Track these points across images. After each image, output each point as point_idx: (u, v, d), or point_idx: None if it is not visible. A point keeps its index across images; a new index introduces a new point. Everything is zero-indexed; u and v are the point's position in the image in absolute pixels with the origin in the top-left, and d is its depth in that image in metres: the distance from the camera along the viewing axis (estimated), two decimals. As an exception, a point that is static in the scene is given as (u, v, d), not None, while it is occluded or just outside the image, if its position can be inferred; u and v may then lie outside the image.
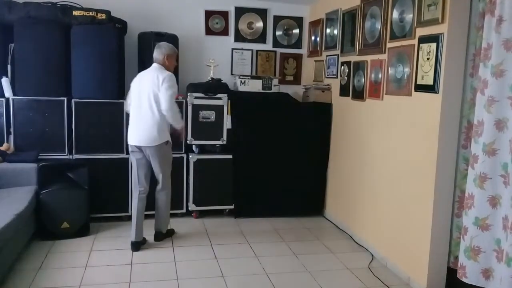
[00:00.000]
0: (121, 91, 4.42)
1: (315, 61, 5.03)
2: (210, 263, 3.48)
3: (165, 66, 3.63)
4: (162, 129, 3.57)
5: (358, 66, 4.02)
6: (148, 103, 3.52)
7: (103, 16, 4.12)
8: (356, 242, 4.03)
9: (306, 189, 4.70)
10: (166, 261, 3.48)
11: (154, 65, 3.63)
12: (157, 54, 3.64)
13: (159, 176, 3.71)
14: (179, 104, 4.00)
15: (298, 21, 5.25)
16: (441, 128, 2.97)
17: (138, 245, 3.67)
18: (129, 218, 4.31)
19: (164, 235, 3.89)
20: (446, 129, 2.98)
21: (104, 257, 3.52)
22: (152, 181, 3.75)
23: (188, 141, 4.40)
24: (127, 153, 4.24)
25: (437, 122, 2.97)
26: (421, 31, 3.15)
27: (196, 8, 4.93)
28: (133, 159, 3.69)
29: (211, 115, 4.45)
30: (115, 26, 4.24)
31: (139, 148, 3.61)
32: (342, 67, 4.34)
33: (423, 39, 3.11)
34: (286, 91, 4.86)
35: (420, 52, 3.14)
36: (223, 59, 4.94)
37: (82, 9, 4.13)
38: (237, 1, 5.04)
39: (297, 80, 5.32)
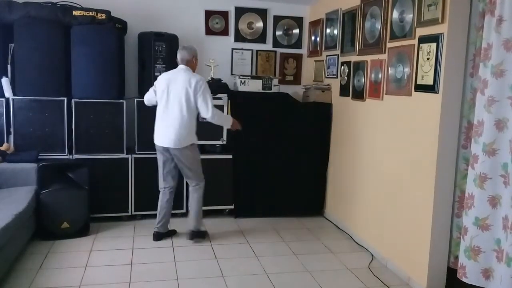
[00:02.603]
0: (121, 91, 4.43)
1: (315, 61, 5.03)
2: (210, 263, 3.48)
3: (192, 67, 3.70)
4: (189, 132, 3.64)
5: (358, 66, 4.02)
6: (178, 106, 3.57)
7: (103, 16, 4.12)
8: (356, 242, 4.03)
9: (306, 189, 4.70)
10: (166, 261, 3.48)
11: (182, 66, 3.66)
12: (186, 55, 3.66)
13: (188, 176, 3.81)
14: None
15: (298, 21, 5.25)
16: (441, 128, 2.97)
17: (159, 235, 3.86)
18: (129, 218, 4.34)
19: (197, 234, 3.89)
20: (446, 129, 2.98)
21: (104, 257, 3.52)
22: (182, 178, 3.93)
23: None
24: (127, 153, 4.27)
25: (437, 122, 2.97)
26: (421, 31, 3.15)
27: (196, 8, 4.93)
28: (159, 157, 3.79)
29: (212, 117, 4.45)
30: (115, 26, 4.24)
31: (166, 149, 3.68)
32: (342, 67, 4.34)
33: (423, 39, 3.11)
34: (286, 91, 4.86)
35: (420, 52, 3.14)
36: (223, 59, 4.94)
37: (82, 9, 4.13)
38: (237, 1, 5.04)
39: (297, 80, 5.32)
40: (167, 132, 3.60)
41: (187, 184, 4.01)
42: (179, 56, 3.68)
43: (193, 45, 3.82)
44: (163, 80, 3.65)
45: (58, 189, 3.80)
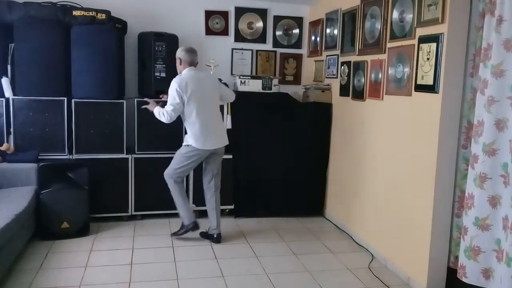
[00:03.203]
0: (121, 91, 4.43)
1: (315, 61, 5.03)
2: (210, 263, 3.48)
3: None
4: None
5: (358, 66, 4.02)
6: (216, 106, 3.73)
7: (103, 16, 4.12)
8: (356, 242, 4.03)
9: (306, 189, 4.70)
10: (166, 261, 3.48)
11: (194, 68, 3.68)
12: (196, 57, 3.71)
13: (218, 174, 3.87)
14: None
15: (298, 21, 5.25)
16: (441, 128, 2.97)
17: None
18: (129, 218, 4.34)
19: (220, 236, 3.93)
20: (446, 129, 2.98)
21: (104, 257, 3.51)
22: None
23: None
24: (127, 153, 4.27)
25: (437, 122, 2.97)
26: (421, 31, 3.15)
27: (196, 8, 4.93)
28: (194, 162, 3.71)
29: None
30: (115, 26, 4.24)
31: (210, 151, 3.70)
32: (342, 67, 4.34)
33: (423, 39, 3.11)
34: (286, 91, 4.86)
35: (420, 52, 3.14)
36: (223, 59, 4.94)
37: (82, 9, 4.13)
38: (237, 1, 5.04)
39: (297, 80, 5.32)
40: (219, 134, 3.72)
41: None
42: (191, 59, 3.66)
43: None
44: (188, 85, 3.54)
45: (58, 189, 3.80)
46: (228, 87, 4.59)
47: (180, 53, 3.68)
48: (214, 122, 3.70)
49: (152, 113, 3.66)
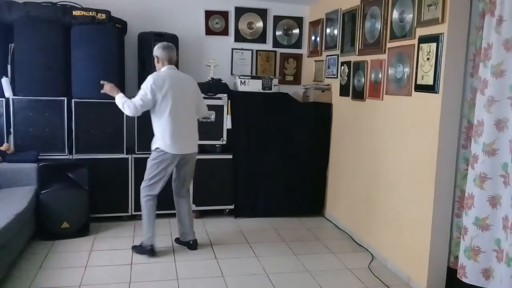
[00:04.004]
0: (121, 91, 4.41)
1: (315, 61, 5.03)
2: (210, 263, 3.48)
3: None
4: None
5: (358, 66, 4.02)
6: (192, 111, 3.51)
7: (103, 16, 4.12)
8: (356, 242, 4.03)
9: (306, 189, 4.70)
10: (166, 261, 3.48)
11: (173, 66, 3.48)
12: (174, 54, 3.50)
13: (189, 181, 3.72)
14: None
15: (298, 21, 5.25)
16: (441, 128, 2.97)
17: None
18: (129, 218, 4.34)
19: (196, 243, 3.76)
20: (446, 129, 2.98)
21: (104, 257, 3.51)
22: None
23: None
24: (127, 153, 4.27)
25: (437, 122, 2.97)
26: (421, 31, 3.15)
27: (196, 8, 4.93)
28: (167, 167, 3.44)
29: (211, 115, 4.45)
30: (115, 26, 4.24)
31: (181, 157, 3.47)
32: (342, 67, 4.34)
33: (423, 39, 3.11)
34: (286, 91, 4.86)
35: (420, 52, 3.14)
36: (223, 59, 4.94)
37: (82, 9, 4.13)
38: (237, 1, 5.04)
39: (297, 80, 5.32)
40: (190, 139, 3.51)
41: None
42: (167, 55, 3.42)
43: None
44: (165, 83, 3.32)
45: (58, 189, 3.80)
46: (228, 87, 4.61)
47: (156, 51, 3.44)
48: (187, 126, 3.47)
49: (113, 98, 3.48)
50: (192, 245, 3.71)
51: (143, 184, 3.51)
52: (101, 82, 3.54)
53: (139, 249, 3.58)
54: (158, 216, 4.37)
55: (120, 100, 3.41)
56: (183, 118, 3.42)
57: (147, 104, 3.33)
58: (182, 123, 3.41)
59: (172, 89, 3.34)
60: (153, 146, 3.44)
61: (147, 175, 3.48)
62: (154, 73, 3.40)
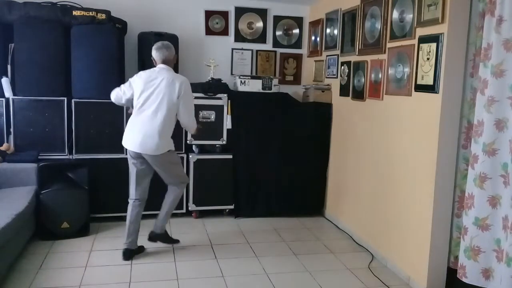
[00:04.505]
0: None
1: (315, 61, 5.03)
2: (210, 263, 3.48)
3: (172, 67, 3.44)
4: (167, 138, 3.36)
5: (358, 66, 4.02)
6: (157, 108, 3.26)
7: (103, 16, 4.12)
8: (356, 242, 4.03)
9: (306, 189, 4.70)
10: (166, 261, 3.48)
11: (163, 66, 3.38)
12: (168, 54, 3.39)
13: (169, 181, 3.56)
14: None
15: (298, 21, 5.25)
16: (441, 128, 2.97)
17: (130, 253, 3.47)
18: (129, 218, 4.33)
19: (160, 236, 3.67)
20: (446, 129, 2.98)
21: (104, 257, 3.51)
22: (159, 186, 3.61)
23: (188, 141, 4.40)
24: (127, 153, 4.26)
25: (437, 122, 2.97)
26: (421, 31, 3.15)
27: (196, 8, 4.93)
28: (132, 166, 3.43)
29: (211, 115, 4.45)
30: (115, 26, 4.24)
31: (139, 155, 3.35)
32: (342, 67, 4.34)
33: (423, 39, 3.11)
34: (286, 91, 4.86)
35: (420, 52, 3.14)
36: (223, 59, 4.94)
37: (82, 9, 4.13)
38: (237, 1, 5.04)
39: (297, 80, 5.32)
40: (142, 136, 3.27)
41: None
42: (158, 56, 3.37)
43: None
44: (140, 80, 3.32)
45: (58, 189, 3.80)
46: (228, 87, 4.60)
47: (152, 53, 3.43)
48: (145, 124, 3.27)
49: None
50: (151, 238, 3.66)
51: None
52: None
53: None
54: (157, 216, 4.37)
55: None
56: (143, 116, 3.28)
57: (122, 93, 3.41)
58: (140, 121, 3.30)
59: (145, 87, 3.30)
60: None
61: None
62: (145, 70, 3.44)
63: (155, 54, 3.41)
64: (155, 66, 3.44)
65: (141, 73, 3.41)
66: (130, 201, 3.51)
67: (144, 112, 3.30)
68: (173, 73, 3.39)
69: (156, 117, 3.28)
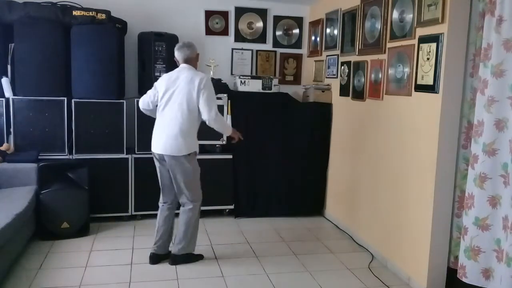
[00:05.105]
0: (121, 91, 4.43)
1: (315, 61, 5.03)
2: (210, 263, 3.47)
3: (195, 66, 3.38)
4: (190, 138, 3.27)
5: (358, 66, 4.02)
6: (178, 107, 3.21)
7: (103, 16, 4.12)
8: (356, 242, 4.03)
9: (306, 189, 4.70)
10: (166, 261, 3.47)
11: (184, 65, 3.32)
12: (189, 52, 3.32)
13: (181, 191, 3.36)
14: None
15: (298, 21, 5.25)
16: (441, 128, 2.97)
17: (156, 258, 3.42)
18: (129, 218, 4.33)
19: (184, 259, 3.43)
20: (446, 129, 2.98)
21: (104, 257, 3.52)
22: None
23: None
24: (127, 153, 4.27)
25: (437, 122, 2.97)
26: (421, 31, 3.15)
27: (196, 8, 4.93)
28: (157, 169, 3.40)
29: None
30: (115, 26, 4.24)
31: (161, 157, 3.30)
32: (342, 67, 4.34)
33: (423, 39, 3.11)
34: (286, 91, 4.86)
35: (420, 52, 3.14)
36: (223, 59, 4.94)
37: (82, 9, 4.13)
38: (237, 1, 5.04)
39: (297, 80, 5.32)
40: (165, 137, 3.23)
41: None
42: (180, 55, 3.34)
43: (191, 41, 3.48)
44: (163, 81, 3.31)
45: (58, 189, 3.80)
46: (228, 87, 4.60)
47: (174, 54, 3.39)
48: (169, 125, 3.22)
49: None
50: (170, 259, 3.42)
51: None
52: None
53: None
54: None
55: None
56: (166, 118, 3.25)
57: (147, 99, 3.38)
58: (163, 122, 3.27)
59: (166, 88, 3.27)
60: None
61: None
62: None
63: (176, 54, 3.36)
64: (178, 67, 3.39)
65: (164, 74, 3.40)
66: (159, 205, 3.47)
67: (166, 112, 3.26)
68: (193, 71, 3.31)
69: (177, 116, 3.22)
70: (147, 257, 3.49)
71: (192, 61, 3.37)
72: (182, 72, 3.30)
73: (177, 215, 3.49)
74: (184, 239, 3.39)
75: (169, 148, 3.23)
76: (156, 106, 3.35)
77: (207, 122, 3.29)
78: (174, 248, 3.43)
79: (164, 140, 3.24)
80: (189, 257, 3.46)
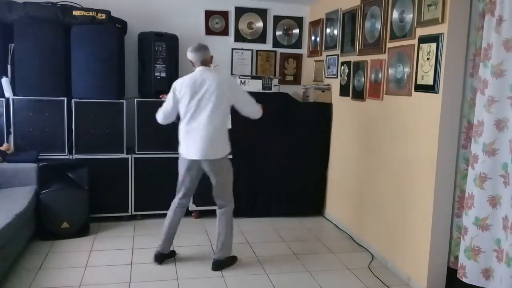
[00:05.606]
0: (121, 91, 4.43)
1: (315, 61, 5.03)
2: (210, 263, 3.46)
3: (209, 67, 3.36)
4: (225, 140, 3.31)
5: (358, 66, 4.02)
6: (212, 110, 3.16)
7: (103, 16, 4.12)
8: (356, 242, 4.03)
9: (306, 189, 4.70)
10: (166, 261, 3.48)
11: (203, 68, 3.26)
12: (206, 55, 3.28)
13: (220, 194, 3.37)
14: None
15: (298, 21, 5.25)
16: (441, 128, 2.97)
17: (162, 257, 3.42)
18: (129, 218, 4.33)
19: (226, 263, 3.41)
20: (446, 129, 2.98)
21: (104, 257, 3.52)
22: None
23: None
24: (127, 153, 4.27)
25: (437, 122, 2.97)
26: (421, 31, 3.15)
27: (196, 8, 4.93)
28: (186, 174, 3.33)
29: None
30: (115, 26, 4.24)
31: (199, 163, 3.26)
32: (342, 67, 4.34)
33: (423, 39, 3.11)
34: (286, 91, 4.86)
35: (420, 52, 3.14)
36: (223, 59, 4.94)
37: (82, 9, 4.13)
38: (237, 1, 5.04)
39: (297, 80, 5.32)
40: (202, 142, 3.18)
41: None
42: (197, 57, 3.26)
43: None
44: (186, 87, 3.18)
45: (58, 189, 3.80)
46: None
47: (188, 55, 3.31)
48: (203, 130, 3.18)
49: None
50: (212, 265, 3.38)
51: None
52: None
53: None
54: (158, 216, 4.39)
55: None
56: (199, 122, 3.18)
57: (167, 110, 3.28)
58: (196, 127, 3.19)
59: (192, 91, 3.17)
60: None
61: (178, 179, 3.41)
62: (180, 77, 3.32)
63: (193, 55, 3.28)
64: (193, 68, 3.32)
65: (182, 81, 3.25)
66: (173, 206, 3.42)
67: (197, 118, 3.18)
68: (215, 72, 3.32)
69: (212, 120, 3.18)
70: (147, 257, 3.50)
71: (208, 63, 3.34)
72: (205, 74, 3.24)
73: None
74: (226, 242, 3.39)
75: (210, 153, 3.22)
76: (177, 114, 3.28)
77: (251, 116, 3.38)
78: (218, 253, 3.38)
79: (202, 145, 3.19)
80: (233, 260, 3.47)
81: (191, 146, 3.23)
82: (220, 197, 3.39)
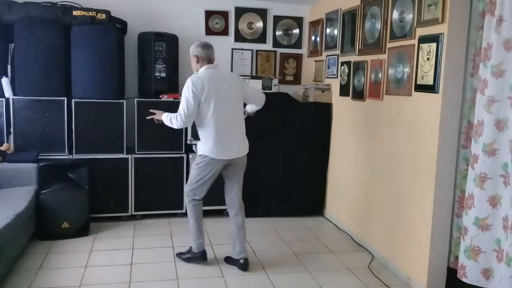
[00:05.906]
0: (121, 91, 4.43)
1: (315, 61, 5.03)
2: (210, 263, 3.47)
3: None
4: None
5: (358, 66, 4.02)
6: (235, 106, 3.19)
7: (103, 16, 4.12)
8: (356, 242, 4.03)
9: (306, 189, 4.70)
10: (166, 261, 3.48)
11: (212, 65, 3.23)
12: (212, 53, 3.24)
13: (238, 189, 3.37)
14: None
15: (298, 21, 5.25)
16: (441, 128, 2.97)
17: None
18: (129, 218, 4.33)
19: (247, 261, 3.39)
20: (446, 129, 2.98)
21: (104, 257, 3.52)
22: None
23: (188, 141, 4.39)
24: (127, 153, 4.26)
25: (437, 122, 2.97)
26: (421, 31, 3.15)
27: (196, 8, 4.93)
28: (212, 172, 3.22)
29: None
30: (115, 26, 4.24)
31: (226, 162, 3.20)
32: (342, 67, 4.34)
33: (423, 39, 3.11)
34: (286, 91, 4.86)
35: (420, 52, 3.14)
36: (223, 59, 4.93)
37: (82, 9, 4.13)
38: (237, 1, 5.05)
39: (297, 80, 5.32)
40: (235, 140, 3.19)
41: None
42: (207, 54, 3.19)
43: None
44: (207, 87, 3.07)
45: (58, 189, 3.80)
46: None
47: (195, 50, 3.20)
48: (233, 127, 3.19)
49: (160, 123, 3.30)
50: (242, 265, 3.34)
51: (187, 188, 3.37)
52: (151, 110, 3.36)
53: (187, 256, 3.44)
54: (158, 216, 4.39)
55: (166, 117, 3.19)
56: (228, 121, 3.15)
57: (191, 112, 3.08)
58: (226, 126, 3.15)
59: (215, 90, 3.09)
60: (198, 152, 3.25)
61: (191, 179, 3.30)
62: (193, 76, 3.15)
63: (203, 52, 3.18)
64: (195, 65, 3.24)
65: (198, 79, 3.10)
66: (195, 202, 3.35)
67: (224, 116, 3.13)
68: (224, 71, 3.43)
69: (238, 116, 3.25)
70: (147, 257, 3.51)
71: (213, 61, 3.29)
72: (218, 71, 3.26)
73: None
74: (245, 241, 3.41)
75: (242, 150, 3.29)
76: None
77: (260, 103, 3.47)
78: (245, 253, 3.37)
79: (236, 143, 3.22)
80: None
81: (225, 145, 3.15)
82: (238, 194, 3.40)
